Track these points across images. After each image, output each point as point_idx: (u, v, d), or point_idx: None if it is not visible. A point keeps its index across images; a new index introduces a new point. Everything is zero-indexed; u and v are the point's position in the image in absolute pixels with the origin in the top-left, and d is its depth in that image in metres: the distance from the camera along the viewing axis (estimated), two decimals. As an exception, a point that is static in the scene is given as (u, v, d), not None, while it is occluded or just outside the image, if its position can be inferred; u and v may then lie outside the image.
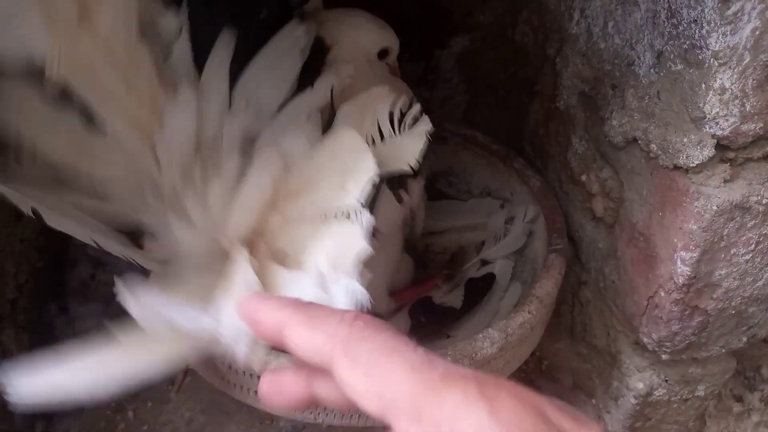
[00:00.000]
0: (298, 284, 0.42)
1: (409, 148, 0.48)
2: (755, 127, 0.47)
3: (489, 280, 0.68)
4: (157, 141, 0.44)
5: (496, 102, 0.87)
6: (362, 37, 0.56)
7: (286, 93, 0.48)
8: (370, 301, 0.39)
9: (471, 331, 0.61)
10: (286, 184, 0.46)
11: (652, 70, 0.51)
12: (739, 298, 0.55)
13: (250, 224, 0.46)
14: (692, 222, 0.50)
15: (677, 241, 0.52)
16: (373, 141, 0.48)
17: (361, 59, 0.56)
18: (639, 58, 0.53)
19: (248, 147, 0.47)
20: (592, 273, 0.66)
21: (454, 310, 0.67)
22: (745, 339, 0.60)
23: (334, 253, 0.42)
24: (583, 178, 0.65)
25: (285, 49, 0.48)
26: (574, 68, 0.64)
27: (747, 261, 0.52)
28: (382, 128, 0.48)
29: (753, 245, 0.51)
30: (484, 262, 0.70)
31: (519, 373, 0.72)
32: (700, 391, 0.65)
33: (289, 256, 0.45)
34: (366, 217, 0.42)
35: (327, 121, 0.50)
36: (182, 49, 0.45)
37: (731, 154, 0.49)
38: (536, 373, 0.72)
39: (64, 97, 0.39)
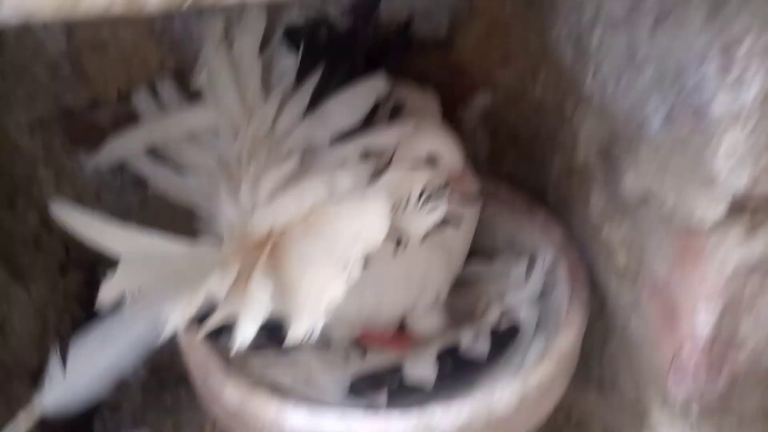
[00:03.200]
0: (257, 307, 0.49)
1: (420, 222, 0.53)
2: (770, 186, 0.48)
3: (514, 332, 0.69)
4: (241, 131, 0.61)
5: (519, 156, 0.88)
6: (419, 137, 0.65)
7: (352, 124, 0.61)
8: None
9: (492, 386, 0.61)
10: (320, 208, 0.55)
11: (661, 131, 0.52)
12: (766, 361, 0.54)
13: (275, 227, 0.54)
14: (710, 281, 0.50)
15: (697, 299, 0.51)
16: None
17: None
18: (649, 119, 0.54)
19: (309, 156, 0.60)
20: (618, 326, 0.66)
21: (479, 362, 0.67)
22: (776, 398, 0.58)
23: (313, 292, 0.50)
24: (605, 232, 0.65)
25: (364, 91, 0.61)
26: (589, 127, 0.65)
27: (771, 319, 0.52)
28: (411, 200, 0.56)
29: (776, 303, 0.51)
30: (508, 314, 0.71)
31: (548, 423, 0.71)
32: (735, 450, 0.63)
33: (281, 269, 0.52)
34: (354, 273, 0.49)
35: (380, 169, 0.61)
36: (286, 69, 0.63)
37: (749, 213, 0.50)
38: (567, 425, 0.71)
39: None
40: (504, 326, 0.68)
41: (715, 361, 0.54)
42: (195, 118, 0.66)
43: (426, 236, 0.53)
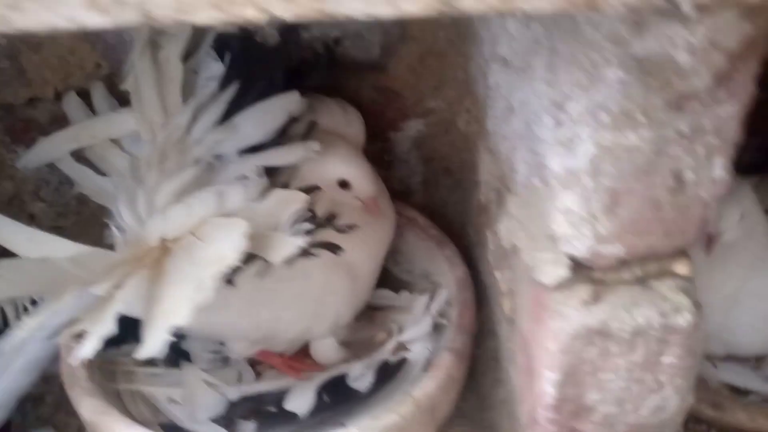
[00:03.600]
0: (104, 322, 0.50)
1: (283, 246, 0.51)
2: (617, 251, 0.45)
3: (401, 366, 0.67)
4: (157, 136, 0.62)
5: (452, 183, 0.86)
6: (331, 162, 0.65)
7: (261, 139, 0.62)
8: None
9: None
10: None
11: (525, 182, 0.50)
12: (623, 425, 0.51)
13: (166, 236, 0.55)
14: (552, 342, 0.47)
15: (544, 359, 0.49)
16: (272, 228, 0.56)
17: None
18: (517, 168, 0.52)
19: (217, 167, 0.62)
20: (505, 373, 0.64)
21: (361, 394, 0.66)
22: (646, 467, 0.55)
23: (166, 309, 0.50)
24: (497, 275, 0.63)
25: (277, 106, 0.62)
26: (486, 164, 0.63)
27: (622, 389, 0.49)
28: (281, 222, 0.56)
29: (624, 372, 0.48)
30: (403, 347, 0.69)
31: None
32: None
33: (158, 282, 0.53)
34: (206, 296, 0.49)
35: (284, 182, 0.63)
36: (213, 77, 0.65)
37: (598, 275, 0.47)
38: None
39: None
40: (395, 359, 0.67)
41: (566, 425, 0.51)
42: (121, 122, 0.67)
43: (290, 261, 0.53)
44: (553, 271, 0.46)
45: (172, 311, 0.49)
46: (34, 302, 0.57)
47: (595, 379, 0.48)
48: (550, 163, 0.43)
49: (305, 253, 0.56)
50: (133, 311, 0.53)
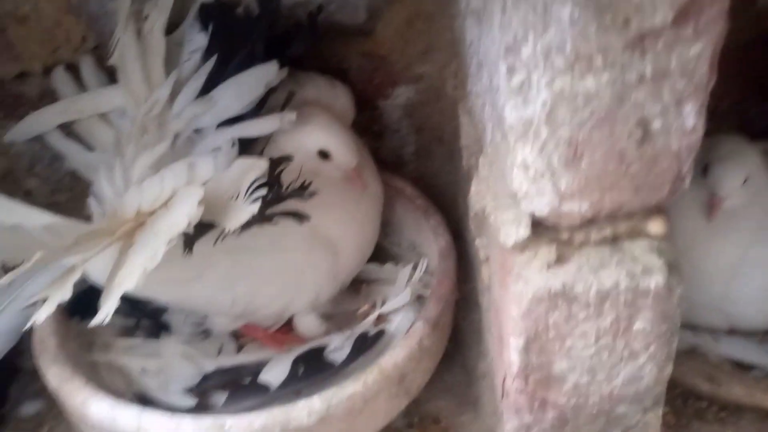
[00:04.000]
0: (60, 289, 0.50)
1: (238, 214, 0.51)
2: (580, 208, 0.42)
3: (380, 337, 0.65)
4: (140, 105, 0.62)
5: (445, 153, 0.83)
6: (310, 132, 0.64)
7: (240, 110, 0.61)
8: None
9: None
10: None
11: (489, 138, 0.48)
12: (597, 396, 0.49)
13: (141, 208, 0.54)
14: (514, 307, 0.45)
15: (509, 325, 0.47)
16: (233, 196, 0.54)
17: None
18: (486, 124, 0.49)
19: (196, 140, 0.61)
20: (486, 345, 0.62)
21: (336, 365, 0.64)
22: (626, 440, 0.52)
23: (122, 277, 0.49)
24: (477, 243, 0.61)
25: (255, 77, 0.61)
26: (466, 127, 0.60)
27: (591, 356, 0.46)
28: (240, 189, 0.53)
29: (592, 339, 0.45)
30: (384, 318, 0.67)
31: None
32: (591, 491, 0.58)
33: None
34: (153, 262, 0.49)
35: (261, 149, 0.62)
36: (197, 48, 0.64)
37: (565, 235, 0.45)
38: (437, 445, 0.68)
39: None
40: (374, 331, 0.65)
41: (535, 395, 0.49)
42: (108, 97, 0.67)
43: (245, 227, 0.51)
44: (514, 231, 0.44)
45: (124, 278, 0.49)
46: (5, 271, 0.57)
47: (562, 346, 0.46)
48: (506, 114, 0.40)
49: (266, 219, 0.54)
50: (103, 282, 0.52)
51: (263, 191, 0.51)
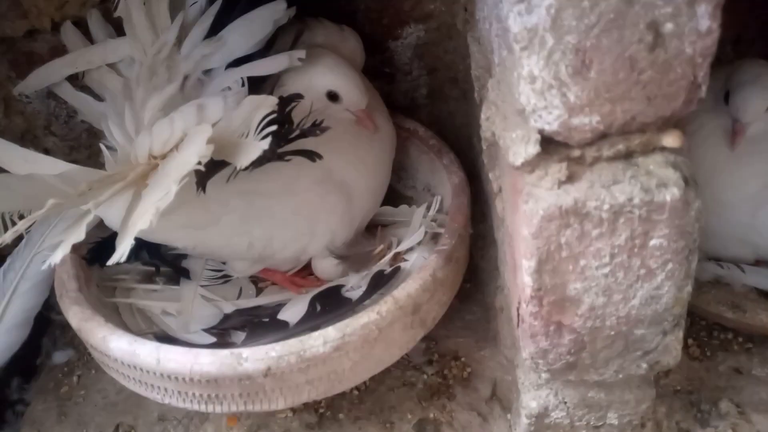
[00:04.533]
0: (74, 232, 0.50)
1: (249, 151, 0.50)
2: (591, 121, 0.41)
3: (395, 273, 0.65)
4: (147, 51, 0.62)
5: (459, 94, 0.82)
6: (318, 74, 0.64)
7: (248, 50, 0.61)
8: None
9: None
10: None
11: (497, 58, 0.46)
12: (614, 318, 0.48)
13: (153, 151, 0.55)
14: (525, 228, 0.44)
15: (521, 248, 0.46)
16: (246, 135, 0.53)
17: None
18: (492, 45, 0.48)
19: (201, 83, 0.61)
20: (503, 278, 0.61)
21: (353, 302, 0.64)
22: (645, 365, 0.52)
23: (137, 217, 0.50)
24: (490, 176, 0.60)
25: (263, 16, 0.61)
26: (475, 57, 0.59)
27: (606, 275, 0.45)
28: (251, 126, 0.52)
29: (607, 258, 0.45)
30: (400, 257, 0.67)
31: (438, 377, 0.68)
32: (612, 419, 0.58)
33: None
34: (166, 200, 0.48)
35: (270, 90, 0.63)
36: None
37: (576, 153, 0.43)
38: (457, 379, 0.68)
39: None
40: (390, 269, 0.65)
41: (551, 319, 0.48)
42: (116, 47, 0.67)
43: (257, 164, 0.51)
44: (522, 149, 0.43)
45: (138, 218, 0.49)
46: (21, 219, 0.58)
47: (575, 266, 0.45)
48: (510, 23, 0.39)
49: (279, 157, 0.54)
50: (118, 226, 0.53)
51: (274, 127, 0.51)
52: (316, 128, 0.55)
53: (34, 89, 0.72)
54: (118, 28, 0.68)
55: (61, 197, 0.51)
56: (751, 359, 0.68)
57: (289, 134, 0.55)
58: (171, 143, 0.54)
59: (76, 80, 0.70)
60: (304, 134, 0.55)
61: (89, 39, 0.70)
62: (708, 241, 0.68)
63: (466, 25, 0.71)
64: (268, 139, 0.50)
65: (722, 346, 0.69)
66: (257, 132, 0.51)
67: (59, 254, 0.48)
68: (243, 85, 0.60)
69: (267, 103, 0.53)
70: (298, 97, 0.61)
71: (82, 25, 0.73)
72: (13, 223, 0.52)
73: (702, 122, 0.66)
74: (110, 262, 0.48)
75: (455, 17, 0.75)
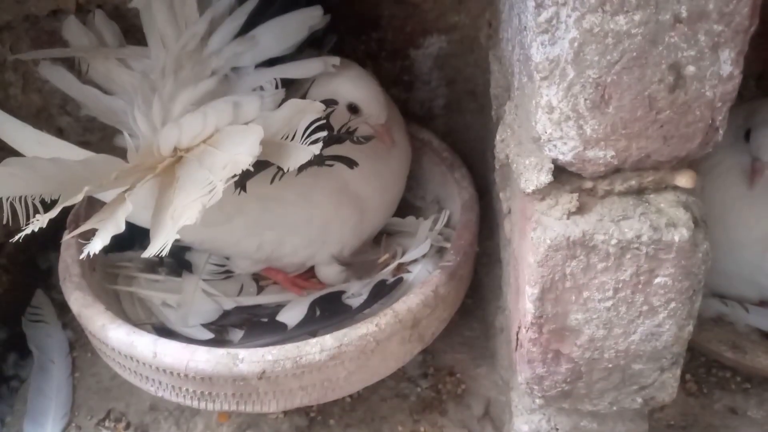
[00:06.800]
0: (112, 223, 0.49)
1: (298, 154, 0.51)
2: (606, 155, 0.41)
3: (397, 284, 0.65)
4: (170, 45, 0.61)
5: (477, 108, 0.82)
6: (341, 85, 0.63)
7: (281, 52, 0.60)
8: None
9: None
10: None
11: (517, 82, 0.46)
12: (613, 351, 0.48)
13: (180, 144, 0.54)
14: (530, 255, 0.44)
15: (525, 274, 0.46)
16: (286, 137, 0.53)
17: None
18: (513, 68, 0.48)
19: (233, 78, 0.60)
20: (505, 298, 0.61)
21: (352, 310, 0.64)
22: (640, 400, 0.52)
23: (175, 212, 0.49)
24: (501, 196, 0.60)
25: (299, 20, 0.60)
26: (495, 75, 0.59)
27: (608, 309, 0.45)
28: (297, 131, 0.52)
29: (610, 292, 0.44)
30: (403, 267, 0.67)
31: (432, 391, 0.68)
32: (602, 449, 0.57)
33: (168, 187, 0.52)
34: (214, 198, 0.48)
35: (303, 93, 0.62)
36: None
37: (588, 184, 0.43)
38: (451, 395, 0.68)
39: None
40: (393, 279, 0.65)
41: (549, 347, 0.48)
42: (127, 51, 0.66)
43: (303, 168, 0.51)
44: (535, 177, 0.43)
45: (180, 213, 0.48)
46: (43, 203, 0.57)
47: (578, 297, 0.45)
48: (533, 52, 0.39)
49: (321, 162, 0.54)
50: (139, 219, 0.53)
51: (324, 133, 0.51)
52: (358, 136, 0.55)
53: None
54: (122, 27, 0.68)
55: (91, 185, 0.50)
56: (748, 400, 0.67)
57: (334, 140, 0.55)
58: (201, 138, 0.54)
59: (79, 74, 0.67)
60: (351, 140, 0.56)
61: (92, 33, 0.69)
62: (714, 278, 0.68)
63: (489, 41, 0.71)
64: (319, 145, 0.50)
65: (720, 384, 0.69)
66: (304, 136, 0.51)
67: (97, 244, 0.48)
68: (278, 86, 0.60)
69: (314, 109, 0.53)
70: (333, 103, 0.61)
71: (105, 10, 0.73)
72: (35, 206, 0.52)
73: (720, 158, 0.66)
74: (145, 255, 0.48)
75: (479, 31, 0.75)
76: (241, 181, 0.54)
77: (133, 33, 0.70)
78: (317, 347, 0.51)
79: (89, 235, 0.51)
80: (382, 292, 0.62)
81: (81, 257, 0.51)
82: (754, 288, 0.69)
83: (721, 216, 0.65)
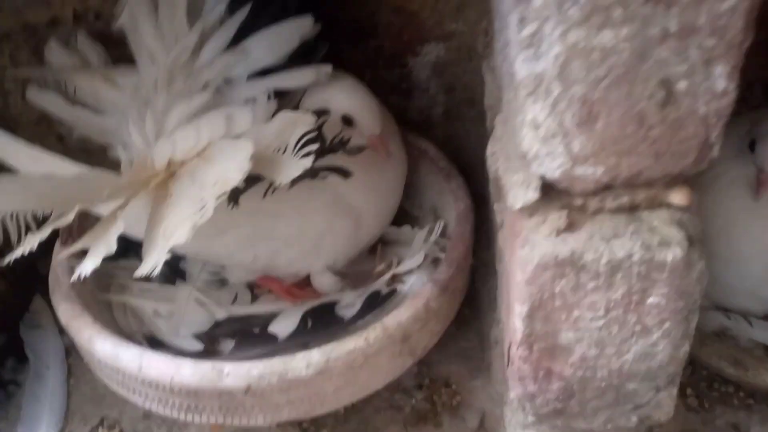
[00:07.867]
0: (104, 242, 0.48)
1: (290, 168, 0.50)
2: (595, 172, 0.40)
3: (391, 296, 0.65)
4: (160, 59, 0.60)
5: (476, 116, 0.81)
6: (334, 96, 0.62)
7: (273, 63, 0.60)
8: None
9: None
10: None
11: (506, 95, 0.45)
12: (605, 370, 0.47)
13: (174, 159, 0.54)
14: (519, 272, 0.43)
15: (514, 291, 0.45)
16: (278, 150, 0.52)
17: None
18: (503, 80, 0.46)
19: (226, 91, 0.60)
20: (499, 311, 0.60)
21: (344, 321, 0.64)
22: (635, 419, 0.50)
23: (167, 228, 0.48)
24: (495, 207, 0.58)
25: (289, 30, 0.60)
26: (489, 87, 0.58)
27: (599, 328, 0.44)
28: (288, 144, 0.52)
29: (602, 311, 0.43)
30: (398, 278, 0.66)
31: (427, 403, 0.67)
32: (598, 468, 0.56)
33: (162, 203, 0.51)
34: (206, 215, 0.47)
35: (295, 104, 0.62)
36: (218, 3, 0.61)
37: (578, 201, 0.42)
38: (446, 407, 0.67)
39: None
40: (387, 290, 0.65)
41: (540, 364, 0.47)
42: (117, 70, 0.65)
43: (296, 182, 0.50)
44: (522, 194, 0.41)
45: (172, 231, 0.48)
46: (35, 219, 0.56)
47: (569, 316, 0.44)
48: (517, 68, 0.37)
49: (314, 174, 0.53)
50: (134, 232, 0.52)
51: (315, 146, 0.50)
52: (350, 147, 0.54)
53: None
54: (106, 46, 0.67)
55: (83, 201, 0.50)
56: (751, 416, 0.66)
57: (327, 151, 0.54)
58: (194, 151, 0.53)
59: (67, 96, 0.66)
60: (345, 151, 0.55)
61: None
62: (717, 291, 0.66)
63: (484, 50, 0.70)
64: (311, 158, 0.49)
65: (722, 400, 0.67)
66: (296, 149, 0.50)
67: (89, 265, 0.47)
68: (270, 97, 0.60)
69: (305, 121, 0.52)
70: (325, 113, 0.60)
71: (102, 19, 0.73)
72: (26, 223, 0.51)
73: (724, 169, 0.64)
74: (138, 274, 0.47)
75: (476, 40, 0.74)
76: (234, 196, 0.54)
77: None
78: (304, 362, 0.50)
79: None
80: (376, 303, 0.61)
81: (71, 280, 0.50)
82: (758, 301, 0.67)
83: (724, 228, 0.64)
